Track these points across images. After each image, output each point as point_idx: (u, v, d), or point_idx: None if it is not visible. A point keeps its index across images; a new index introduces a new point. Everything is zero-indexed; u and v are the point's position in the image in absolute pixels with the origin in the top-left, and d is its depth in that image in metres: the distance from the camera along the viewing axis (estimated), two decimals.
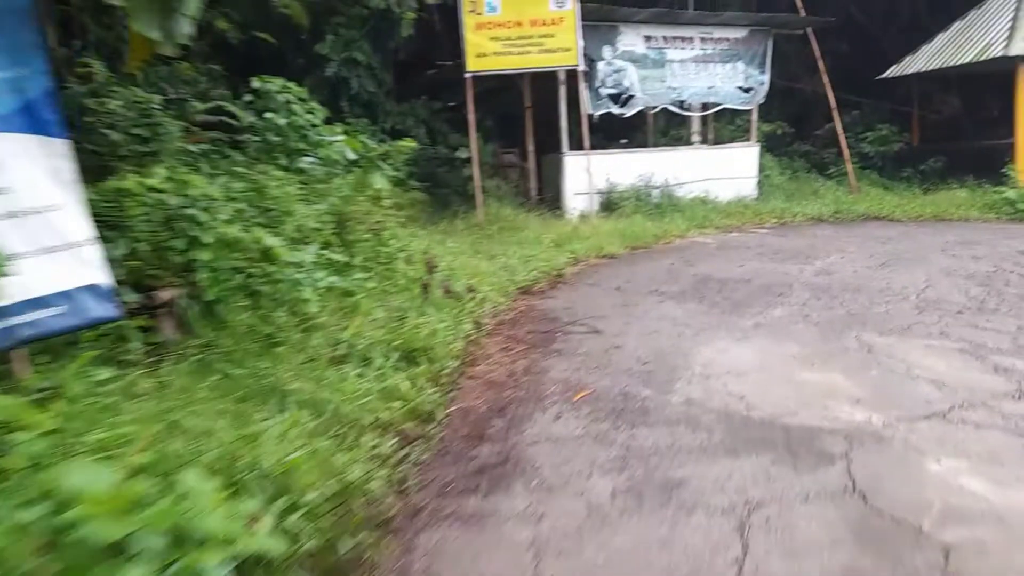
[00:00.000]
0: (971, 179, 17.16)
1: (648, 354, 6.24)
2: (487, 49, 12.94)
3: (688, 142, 16.95)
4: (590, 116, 14.23)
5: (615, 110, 14.36)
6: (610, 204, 14.36)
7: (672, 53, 14.57)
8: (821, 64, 15.92)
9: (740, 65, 15.15)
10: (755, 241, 11.87)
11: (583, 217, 13.91)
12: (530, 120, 15.23)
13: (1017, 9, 16.84)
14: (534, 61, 13.05)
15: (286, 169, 8.45)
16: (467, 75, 13.08)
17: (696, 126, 16.80)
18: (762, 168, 16.30)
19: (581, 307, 7.92)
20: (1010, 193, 15.20)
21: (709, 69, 14.92)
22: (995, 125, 20.88)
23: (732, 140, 18.09)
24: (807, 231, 12.93)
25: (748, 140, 16.21)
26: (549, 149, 14.90)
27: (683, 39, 14.63)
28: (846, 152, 16.30)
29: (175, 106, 9.68)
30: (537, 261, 9.56)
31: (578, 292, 8.70)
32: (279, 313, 6.07)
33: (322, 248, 7.33)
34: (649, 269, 9.80)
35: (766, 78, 15.44)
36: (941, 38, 18.60)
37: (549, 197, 15.49)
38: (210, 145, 8.74)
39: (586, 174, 14.10)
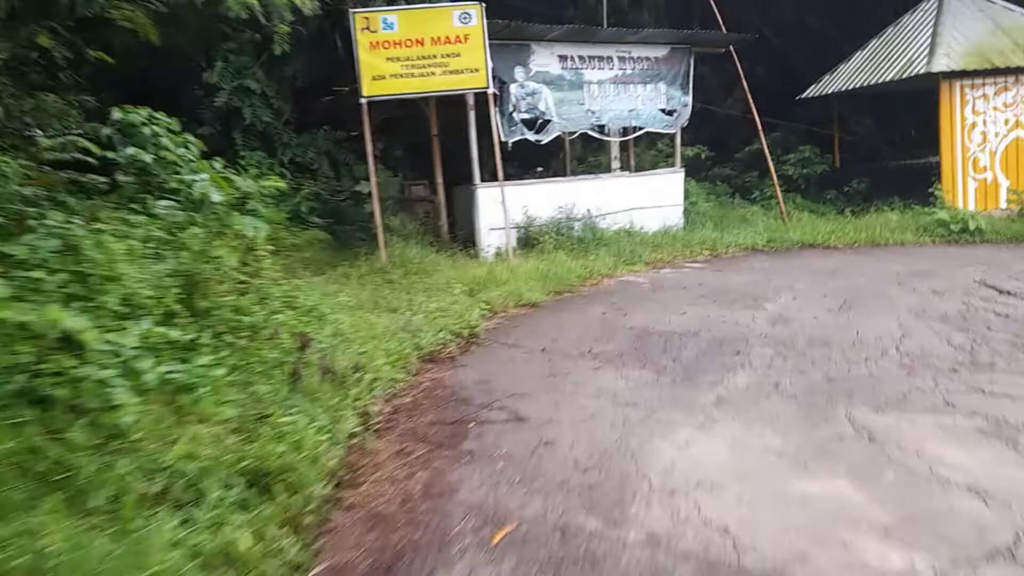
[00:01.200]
0: (897, 200, 16.41)
1: (588, 454, 4.67)
2: (384, 71, 11.33)
3: (608, 169, 15.66)
4: (504, 144, 12.76)
5: (530, 136, 12.93)
6: (529, 239, 12.87)
7: (589, 74, 13.24)
8: (744, 83, 14.86)
9: (662, 86, 13.95)
10: (692, 279, 10.52)
11: (500, 255, 12.37)
12: (438, 149, 13.67)
13: (935, 25, 16.23)
14: (438, 84, 11.50)
15: (148, 215, 6.71)
16: (362, 101, 11.43)
17: (615, 151, 15.53)
18: (687, 195, 15.11)
19: (499, 380, 6.32)
20: (942, 214, 14.38)
21: (629, 91, 13.66)
22: (913, 144, 20.46)
23: (654, 166, 16.92)
24: (744, 264, 11.68)
25: (672, 165, 15.01)
26: (463, 181, 13.36)
27: (600, 58, 13.33)
28: (774, 176, 15.28)
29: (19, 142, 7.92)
30: (446, 317, 7.92)
31: (495, 357, 7.10)
32: (75, 430, 4.27)
33: (160, 323, 5.54)
34: (578, 321, 8.29)
35: (689, 99, 14.28)
36: (859, 57, 17.92)
37: (462, 234, 13.92)
38: (59, 188, 7.01)
39: (501, 207, 12.58)
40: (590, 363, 6.60)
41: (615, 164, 15.62)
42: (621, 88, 13.63)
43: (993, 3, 16.65)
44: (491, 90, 11.76)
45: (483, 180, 12.64)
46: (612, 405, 5.52)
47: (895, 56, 16.58)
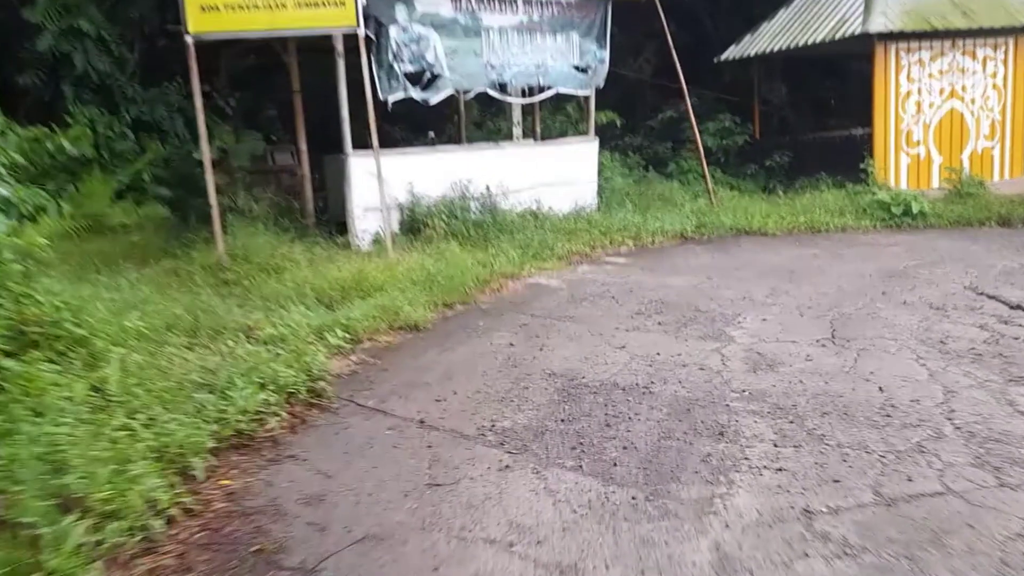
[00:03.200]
0: (825, 176, 14.47)
1: None
2: (216, 0, 8.27)
3: (509, 137, 13.01)
4: (382, 103, 9.93)
5: (415, 94, 10.11)
6: (415, 224, 10.13)
7: (489, 18, 10.49)
8: (669, 38, 12.43)
9: (574, 37, 11.34)
10: (619, 282, 8.05)
11: (378, 245, 9.62)
12: (301, 108, 10.68)
13: None
14: (290, 20, 8.52)
15: None
16: (188, 38, 8.34)
17: (518, 115, 12.87)
18: (601, 168, 12.63)
19: (343, 497, 3.66)
20: (882, 195, 12.46)
21: (537, 41, 11.00)
22: (833, 115, 18.69)
23: (562, 134, 14.37)
24: (678, 259, 9.29)
25: (584, 133, 12.49)
26: (337, 148, 10.49)
27: (503, 0, 10.60)
28: (701, 151, 12.96)
29: None
30: (276, 361, 5.15)
31: (343, 440, 4.39)
32: None
33: None
34: (475, 359, 5.67)
35: (606, 54, 11.72)
36: (784, 15, 15.78)
37: (334, 215, 11.06)
38: None
39: (379, 182, 9.80)
40: (494, 456, 4.01)
41: (517, 131, 12.97)
42: (527, 38, 10.94)
43: None
44: (362, 32, 8.87)
45: (359, 148, 9.78)
46: (535, 572, 2.97)
47: (825, 15, 14.49)
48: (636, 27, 17.78)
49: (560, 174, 11.71)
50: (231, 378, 4.77)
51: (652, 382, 4.93)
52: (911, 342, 5.58)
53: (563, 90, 11.44)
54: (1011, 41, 14.02)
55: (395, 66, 9.88)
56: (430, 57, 10.16)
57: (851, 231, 11.42)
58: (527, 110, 13.18)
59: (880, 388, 4.67)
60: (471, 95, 10.84)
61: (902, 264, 8.41)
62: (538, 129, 13.12)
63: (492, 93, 10.87)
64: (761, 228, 10.95)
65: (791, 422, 4.23)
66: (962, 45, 13.83)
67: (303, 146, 10.72)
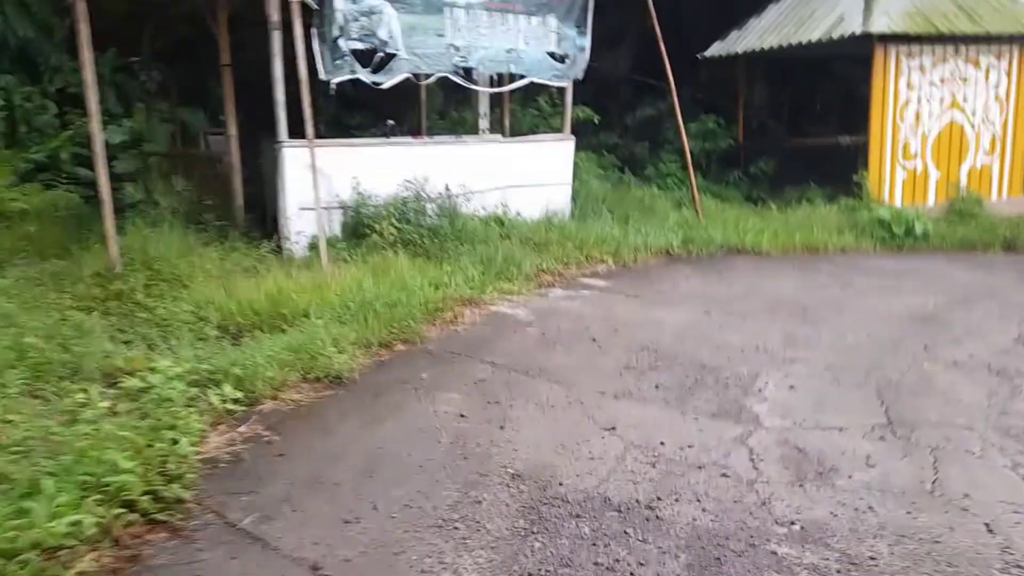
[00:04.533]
0: (814, 187, 13.08)
1: None
2: None
3: (474, 130, 11.35)
4: (323, 84, 8.22)
5: (364, 76, 8.38)
6: (359, 228, 8.43)
7: None
8: (657, 24, 10.84)
9: (551, 21, 9.71)
10: (599, 314, 6.45)
11: (314, 251, 7.93)
12: (230, 86, 8.89)
13: None
14: None
15: None
16: None
17: (484, 107, 11.21)
18: (575, 169, 11.01)
19: None
20: (883, 212, 11.07)
21: (508, 23, 9.34)
22: (820, 120, 17.32)
23: (532, 129, 12.73)
24: (666, 285, 7.70)
25: (559, 130, 10.85)
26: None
27: None
28: (688, 157, 11.38)
29: None
30: (122, 442, 3.46)
31: None
32: None
33: None
34: (408, 446, 3.97)
35: (587, 43, 10.10)
36: (774, 11, 14.31)
37: (272, 212, 9.30)
38: None
39: (318, 178, 8.10)
40: None
41: (483, 124, 11.32)
42: (497, 18, 9.27)
43: None
44: None
45: (292, 137, 8.07)
46: None
47: (821, 12, 13.04)
48: (612, 18, 16.24)
49: (531, 175, 10.10)
50: (39, 476, 3.10)
51: (658, 497, 3.36)
52: (992, 433, 4.09)
53: (537, 80, 9.79)
54: (1016, 50, 12.73)
55: (341, 42, 8.15)
56: (383, 34, 8.44)
57: (851, 252, 9.99)
58: (495, 101, 11.52)
59: (988, 527, 3.15)
60: (431, 80, 9.14)
61: (929, 303, 6.94)
62: (507, 123, 11.46)
63: (455, 79, 9.17)
64: (754, 246, 9.45)
65: None
66: (965, 52, 12.49)
67: (233, 130, 8.94)
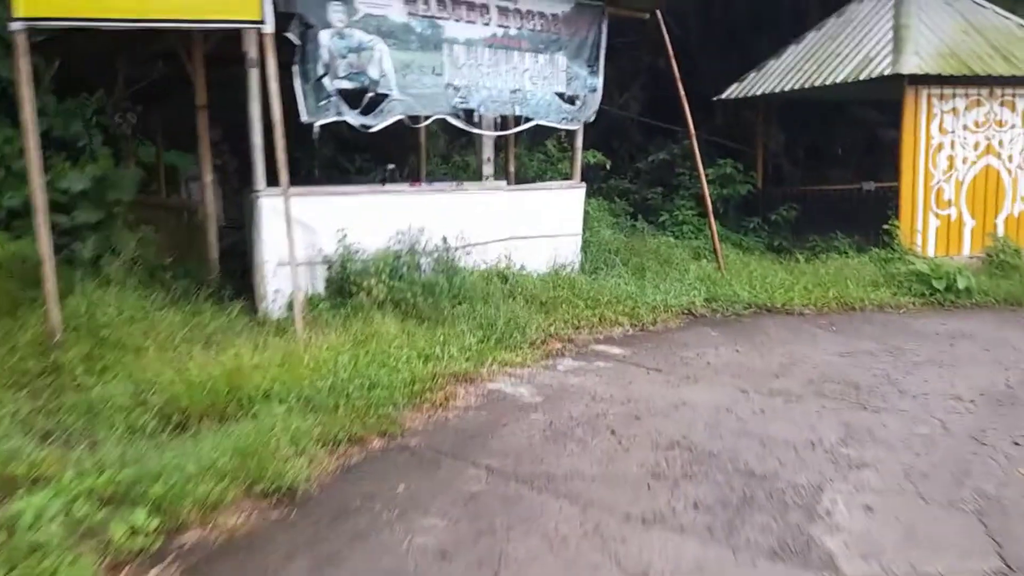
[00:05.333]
0: (838, 236, 12.11)
1: None
2: None
3: (477, 176, 10.43)
4: (308, 127, 7.33)
5: (352, 118, 7.48)
6: (345, 286, 7.45)
7: (453, 28, 7.95)
8: (674, 62, 9.96)
9: (561, 59, 8.85)
10: (617, 394, 5.42)
11: (290, 313, 6.96)
12: (205, 129, 8.00)
13: (897, 16, 11.94)
14: (167, 8, 5.88)
15: None
16: (16, 26, 5.65)
17: (488, 151, 10.29)
18: (586, 217, 10.06)
19: None
20: (921, 266, 10.06)
21: (514, 61, 8.49)
22: (840, 165, 16.42)
23: (540, 176, 11.83)
24: (692, 351, 6.65)
25: (569, 177, 9.94)
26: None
27: (471, 6, 8.06)
28: (709, 204, 10.42)
29: None
30: None
31: None
32: None
33: None
34: None
35: (599, 83, 9.22)
36: (794, 52, 13.47)
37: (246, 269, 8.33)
38: None
39: (299, 230, 7.18)
40: None
41: (487, 169, 10.39)
42: (502, 56, 8.40)
43: None
44: (269, 28, 6.24)
45: (270, 184, 7.15)
46: None
47: (845, 53, 12.20)
48: (622, 58, 15.51)
49: (538, 225, 9.16)
50: None
51: None
52: None
53: (545, 123, 8.89)
54: None
55: (326, 81, 7.27)
56: (374, 72, 7.57)
57: (889, 310, 8.97)
58: (500, 145, 10.63)
59: None
60: (427, 123, 8.24)
61: (1000, 378, 5.89)
62: (511, 169, 10.55)
63: (454, 122, 8.28)
64: (786, 305, 8.43)
65: None
66: (1000, 95, 11.60)
67: (208, 176, 8.04)
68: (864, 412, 5.05)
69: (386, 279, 7.49)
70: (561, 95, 8.91)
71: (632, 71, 16.01)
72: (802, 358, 6.43)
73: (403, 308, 7.27)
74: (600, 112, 9.65)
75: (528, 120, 8.75)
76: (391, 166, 13.04)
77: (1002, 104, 11.64)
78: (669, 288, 8.49)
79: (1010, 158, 11.77)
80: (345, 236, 7.67)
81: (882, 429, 4.73)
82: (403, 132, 11.68)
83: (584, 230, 9.84)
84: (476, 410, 5.02)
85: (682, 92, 9.89)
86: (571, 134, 9.63)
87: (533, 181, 11.18)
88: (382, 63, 7.61)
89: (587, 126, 9.65)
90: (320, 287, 7.60)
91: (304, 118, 7.22)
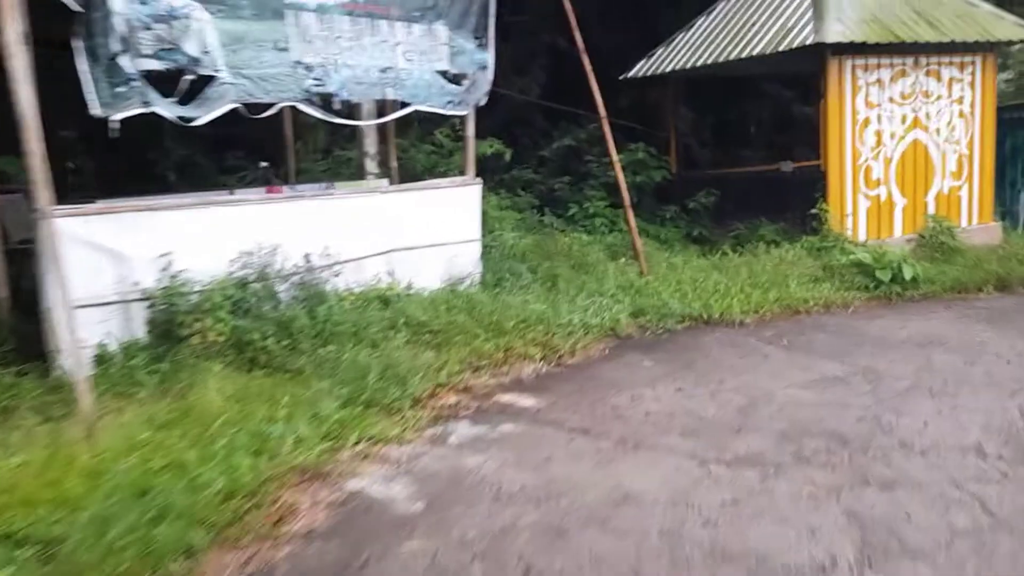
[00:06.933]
0: (763, 222, 10.90)
1: None
2: None
3: (359, 175, 8.64)
4: (104, 123, 5.37)
5: (165, 109, 5.53)
6: (172, 328, 5.57)
7: None
8: (579, 38, 8.36)
9: (441, 30, 7.12)
10: (531, 483, 3.78)
11: (105, 368, 5.07)
12: None
13: None
14: None
15: None
16: None
17: (372, 144, 8.50)
18: (485, 218, 8.38)
19: None
20: (862, 256, 8.88)
21: (382, 32, 6.71)
22: (753, 145, 15.32)
23: (430, 170, 10.06)
24: (624, 395, 5.06)
25: (461, 173, 8.24)
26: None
27: None
28: (626, 196, 8.89)
29: None
30: None
31: None
32: None
33: None
34: None
35: (489, 57, 7.53)
36: (705, 25, 12.13)
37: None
38: None
39: (107, 259, 5.28)
40: None
41: (371, 166, 8.61)
42: (365, 26, 6.60)
43: None
44: None
45: (63, 198, 5.20)
46: None
47: (762, 22, 10.90)
48: (520, 37, 13.90)
49: (426, 232, 7.44)
50: None
51: None
52: None
53: (426, 108, 7.13)
54: (979, 60, 10.90)
55: (124, 60, 5.33)
56: (192, 48, 5.65)
57: (836, 310, 7.71)
58: (382, 134, 8.83)
59: None
60: (271, 112, 6.32)
61: (1011, 408, 4.58)
62: (394, 164, 8.76)
63: (308, 110, 6.42)
64: (726, 315, 7.00)
65: None
66: (926, 64, 10.58)
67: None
68: (871, 490, 3.59)
69: (227, 316, 5.66)
70: (444, 74, 7.17)
71: (531, 51, 14.42)
72: (762, 395, 4.95)
73: (250, 354, 5.48)
74: (499, 97, 8.01)
75: (405, 105, 6.98)
76: (264, 164, 10.95)
77: (927, 74, 10.64)
78: (587, 302, 6.92)
79: (938, 131, 10.79)
80: (171, 263, 5.79)
81: (906, 525, 3.27)
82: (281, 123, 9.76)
83: (484, 233, 8.17)
84: (323, 539, 3.29)
85: (590, 71, 8.31)
86: (463, 121, 7.92)
87: (424, 178, 9.41)
88: (204, 36, 5.71)
89: (483, 112, 7.98)
90: (139, 331, 5.70)
91: (94, 111, 5.26)
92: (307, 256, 6.49)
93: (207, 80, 5.76)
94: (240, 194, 7.24)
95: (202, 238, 6.05)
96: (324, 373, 5.06)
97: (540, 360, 5.73)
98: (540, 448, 4.18)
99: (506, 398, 5.02)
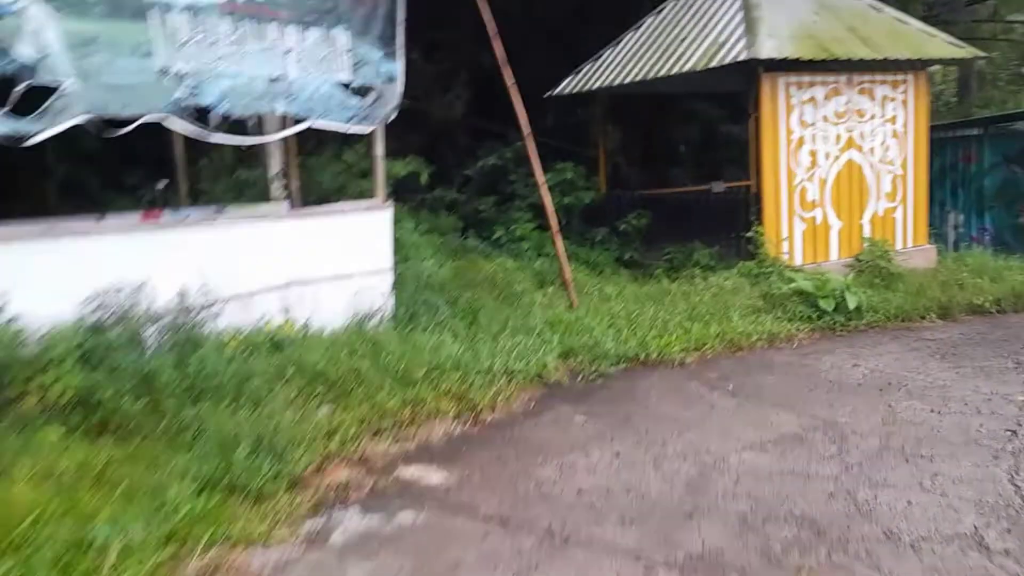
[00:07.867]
0: (696, 244, 10.34)
1: None
2: None
3: (266, 197, 7.62)
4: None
5: None
6: (4, 385, 4.49)
7: None
8: (499, 50, 7.55)
9: (340, 36, 6.19)
10: None
11: None
12: None
13: None
14: None
15: None
16: None
17: (276, 164, 7.52)
18: (399, 245, 7.45)
19: None
20: (803, 283, 8.30)
21: (270, 37, 5.76)
22: (683, 164, 14.85)
23: (340, 191, 9.05)
24: (551, 464, 4.22)
25: (370, 196, 7.30)
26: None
27: None
28: (553, 219, 8.09)
29: None
30: None
31: None
32: None
33: None
34: None
35: (398, 68, 6.63)
36: (632, 41, 11.56)
37: None
38: None
39: None
40: None
41: (276, 188, 7.63)
42: (249, 29, 5.64)
43: None
44: None
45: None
46: None
47: (692, 37, 10.36)
48: (442, 53, 13.12)
49: (328, 263, 6.49)
50: None
51: None
52: None
53: (323, 124, 6.17)
54: (911, 79, 10.59)
55: None
56: (27, 49, 4.60)
57: (781, 345, 7.07)
58: (285, 151, 7.81)
59: None
60: (131, 127, 5.26)
61: (1000, 476, 3.92)
62: (293, 187, 7.77)
63: (177, 127, 5.40)
64: (664, 355, 6.25)
65: None
66: (859, 82, 10.20)
67: None
68: None
69: (74, 369, 4.61)
70: (346, 85, 6.25)
71: (454, 67, 13.64)
72: (713, 462, 4.18)
73: (100, 415, 4.45)
74: (421, 114, 7.12)
75: (298, 120, 6.02)
76: (163, 183, 9.74)
77: (861, 92, 10.27)
78: (512, 341, 6.08)
79: (872, 151, 10.41)
80: (4, 306, 4.71)
81: None
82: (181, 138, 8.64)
83: (397, 262, 7.25)
84: None
85: (515, 87, 7.52)
86: (370, 140, 6.99)
87: (332, 201, 8.43)
88: (41, 36, 4.67)
89: (405, 129, 7.10)
90: None
91: None
92: (180, 294, 5.47)
93: (47, 91, 4.71)
94: (113, 220, 6.16)
95: (47, 275, 4.99)
96: (184, 443, 4.07)
97: (454, 418, 4.83)
98: (446, 549, 3.29)
99: (409, 472, 4.11)
